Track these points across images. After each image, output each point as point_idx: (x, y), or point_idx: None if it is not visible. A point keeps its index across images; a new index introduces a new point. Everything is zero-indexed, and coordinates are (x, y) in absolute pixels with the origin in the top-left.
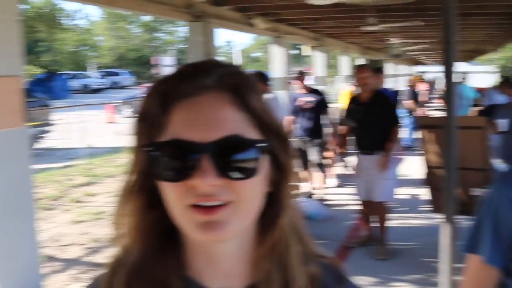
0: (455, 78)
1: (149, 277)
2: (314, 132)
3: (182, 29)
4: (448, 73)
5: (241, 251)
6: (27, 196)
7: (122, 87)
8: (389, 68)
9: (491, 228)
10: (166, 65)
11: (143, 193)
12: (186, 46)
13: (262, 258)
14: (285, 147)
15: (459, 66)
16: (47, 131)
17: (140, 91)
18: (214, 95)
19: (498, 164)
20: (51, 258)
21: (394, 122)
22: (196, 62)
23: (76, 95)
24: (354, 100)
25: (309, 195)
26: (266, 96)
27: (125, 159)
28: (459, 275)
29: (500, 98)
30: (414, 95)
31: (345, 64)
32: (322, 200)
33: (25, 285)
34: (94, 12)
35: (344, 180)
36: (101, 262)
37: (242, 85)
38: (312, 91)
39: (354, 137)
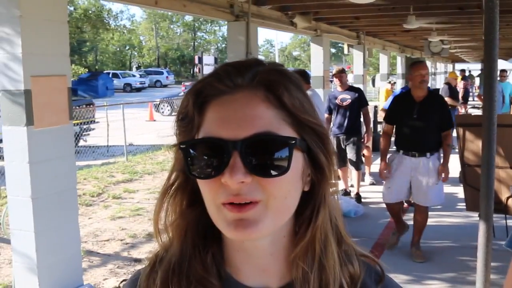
0: (495, 75)
1: (187, 274)
2: (351, 130)
3: (223, 28)
4: (489, 71)
5: (278, 249)
6: (71, 192)
7: (163, 86)
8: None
9: None
10: (207, 64)
11: (183, 191)
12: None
13: (299, 257)
14: (324, 145)
15: (499, 64)
16: (90, 129)
17: (181, 89)
18: (247, 93)
19: None
20: (91, 253)
21: (449, 124)
22: (234, 62)
23: (118, 93)
24: (405, 98)
25: (345, 193)
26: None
27: (164, 157)
28: (496, 274)
29: None
30: (451, 93)
31: (384, 62)
32: (358, 198)
33: (68, 278)
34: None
35: (380, 178)
36: (138, 257)
37: (275, 82)
38: (350, 88)
39: (399, 137)
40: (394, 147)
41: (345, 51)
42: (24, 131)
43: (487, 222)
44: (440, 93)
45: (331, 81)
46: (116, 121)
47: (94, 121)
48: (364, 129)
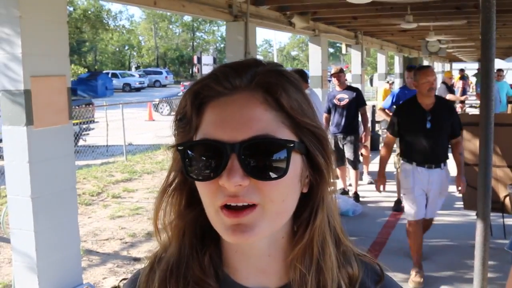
0: (492, 75)
1: (185, 275)
2: (349, 129)
3: (222, 29)
4: (486, 70)
5: (276, 250)
6: (70, 192)
7: (162, 86)
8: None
9: None
10: (206, 64)
11: (181, 192)
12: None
13: (297, 259)
14: (322, 147)
15: (496, 63)
16: (90, 129)
17: (180, 89)
18: (245, 95)
19: None
20: (90, 252)
21: (460, 129)
22: (233, 62)
23: (118, 93)
24: (412, 107)
25: (344, 192)
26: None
27: (163, 156)
28: (493, 272)
29: None
30: (449, 92)
31: (382, 62)
32: (356, 197)
33: (67, 277)
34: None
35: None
36: (137, 256)
37: (274, 84)
38: (348, 88)
39: (410, 149)
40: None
41: (343, 51)
42: (24, 131)
43: (484, 220)
44: (437, 93)
45: (329, 81)
46: (116, 120)
47: (93, 121)
48: (362, 128)
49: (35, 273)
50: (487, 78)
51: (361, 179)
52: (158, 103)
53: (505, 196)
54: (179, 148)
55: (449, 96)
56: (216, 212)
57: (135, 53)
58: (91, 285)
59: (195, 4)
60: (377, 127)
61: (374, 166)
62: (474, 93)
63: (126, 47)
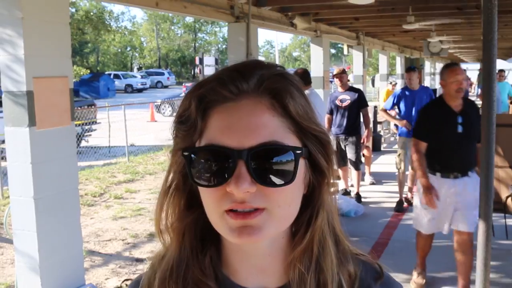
0: (494, 75)
1: (185, 276)
2: (351, 130)
3: (224, 30)
4: (488, 71)
5: (276, 250)
6: (72, 192)
7: (164, 87)
8: (426, 66)
9: None
10: (208, 65)
11: (181, 193)
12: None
13: (296, 258)
14: (325, 150)
15: (498, 64)
16: (92, 130)
17: (181, 90)
18: (252, 100)
19: None
20: (93, 253)
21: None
22: (237, 64)
23: (120, 94)
24: (440, 108)
25: (345, 193)
26: (307, 93)
27: (165, 157)
28: (495, 273)
29: None
30: None
31: (384, 62)
32: (358, 197)
33: (70, 278)
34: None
35: (380, 178)
36: (140, 257)
37: (281, 90)
38: (350, 89)
39: (435, 156)
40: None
41: (345, 52)
42: (26, 132)
43: (486, 221)
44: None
45: (331, 82)
46: (118, 121)
47: (95, 122)
48: (364, 129)
49: (38, 273)
50: (488, 79)
51: (363, 179)
52: (160, 104)
53: (507, 197)
54: (184, 153)
55: None
56: (221, 216)
57: (137, 54)
58: (93, 286)
59: (197, 5)
60: (379, 127)
61: (376, 166)
62: (475, 93)
63: (128, 48)
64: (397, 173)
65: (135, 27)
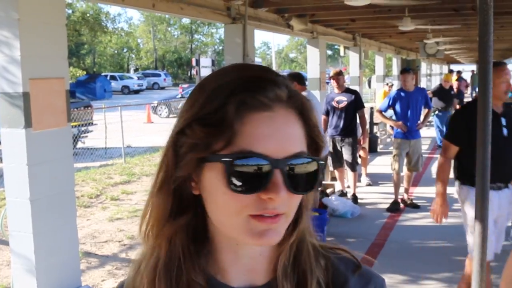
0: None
1: (176, 277)
2: (347, 131)
3: (220, 31)
4: (483, 72)
5: (267, 250)
6: (69, 194)
7: (161, 88)
8: (423, 67)
9: None
10: (204, 66)
11: (173, 198)
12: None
13: (283, 255)
14: (319, 156)
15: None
16: (89, 131)
17: (178, 92)
18: (284, 110)
19: None
20: (89, 254)
21: None
22: (264, 69)
23: (116, 96)
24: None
25: (342, 194)
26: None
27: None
28: (494, 273)
29: None
30: (443, 95)
31: (380, 63)
32: (354, 198)
33: (66, 280)
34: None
35: (376, 179)
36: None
37: (305, 104)
38: (347, 90)
39: (469, 164)
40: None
41: (341, 53)
42: (22, 133)
43: (482, 222)
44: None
45: (328, 83)
46: (114, 123)
47: (92, 123)
48: (360, 130)
49: (34, 275)
50: (485, 80)
51: (359, 181)
52: (157, 106)
53: None
54: (224, 159)
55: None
56: (244, 220)
57: (133, 56)
58: None
59: (193, 7)
60: (375, 129)
61: (372, 168)
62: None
63: (125, 50)
64: (393, 174)
65: (132, 28)
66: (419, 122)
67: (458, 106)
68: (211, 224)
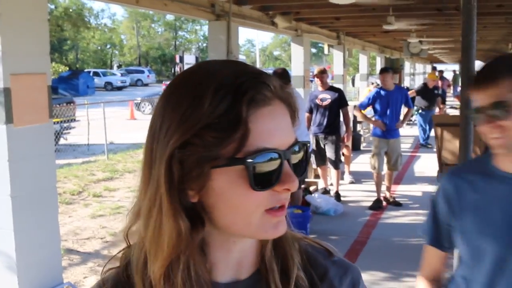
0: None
1: (188, 276)
2: (330, 129)
3: (204, 28)
4: (466, 72)
5: (253, 242)
6: (50, 190)
7: (145, 85)
8: (406, 66)
9: (431, 218)
10: (188, 63)
11: (181, 215)
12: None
13: (267, 247)
14: None
15: (476, 65)
16: (71, 127)
17: (161, 88)
18: (280, 104)
19: None
20: (71, 251)
21: None
22: (241, 62)
23: (99, 92)
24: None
25: (325, 191)
26: None
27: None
28: None
29: None
30: (426, 93)
31: (364, 62)
32: (337, 196)
33: (47, 277)
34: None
35: (359, 177)
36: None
37: (293, 97)
38: (330, 88)
39: None
40: None
41: (325, 51)
42: (3, 129)
43: None
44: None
45: (312, 81)
46: (97, 119)
47: (74, 120)
48: (343, 128)
49: (15, 272)
50: (467, 79)
51: (342, 178)
52: (140, 102)
53: None
54: (248, 160)
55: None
56: (262, 216)
57: (117, 52)
58: (71, 285)
59: (177, 3)
60: (358, 127)
61: (355, 166)
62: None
63: (108, 46)
64: (373, 174)
65: (115, 24)
66: (399, 121)
67: (441, 105)
68: (206, 226)
